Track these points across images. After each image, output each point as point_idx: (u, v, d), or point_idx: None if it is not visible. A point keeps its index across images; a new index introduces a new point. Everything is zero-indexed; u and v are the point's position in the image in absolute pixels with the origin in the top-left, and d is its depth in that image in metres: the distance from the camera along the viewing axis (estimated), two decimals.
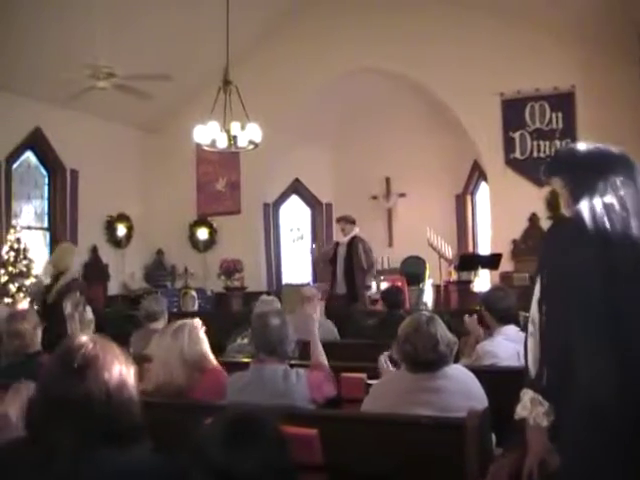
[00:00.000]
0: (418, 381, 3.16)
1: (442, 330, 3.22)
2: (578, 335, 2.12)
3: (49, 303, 7.52)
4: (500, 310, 4.48)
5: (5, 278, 10.02)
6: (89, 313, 6.41)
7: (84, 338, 1.94)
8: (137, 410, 1.89)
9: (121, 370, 1.88)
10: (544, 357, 2.23)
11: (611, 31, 10.20)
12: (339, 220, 9.96)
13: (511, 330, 4.40)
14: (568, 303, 2.16)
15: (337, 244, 9.84)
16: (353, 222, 9.83)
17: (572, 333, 2.14)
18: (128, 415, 1.85)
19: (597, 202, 2.14)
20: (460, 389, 3.13)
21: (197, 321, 3.88)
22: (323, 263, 10.21)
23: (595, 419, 2.07)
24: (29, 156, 12.15)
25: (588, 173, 2.23)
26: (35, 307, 7.86)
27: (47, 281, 7.75)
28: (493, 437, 3.13)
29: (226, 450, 1.69)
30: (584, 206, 2.16)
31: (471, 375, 3.28)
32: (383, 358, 3.87)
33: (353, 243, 9.49)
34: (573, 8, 10.27)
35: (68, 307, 5.96)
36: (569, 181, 2.30)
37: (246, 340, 5.27)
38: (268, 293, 10.11)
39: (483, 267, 10.92)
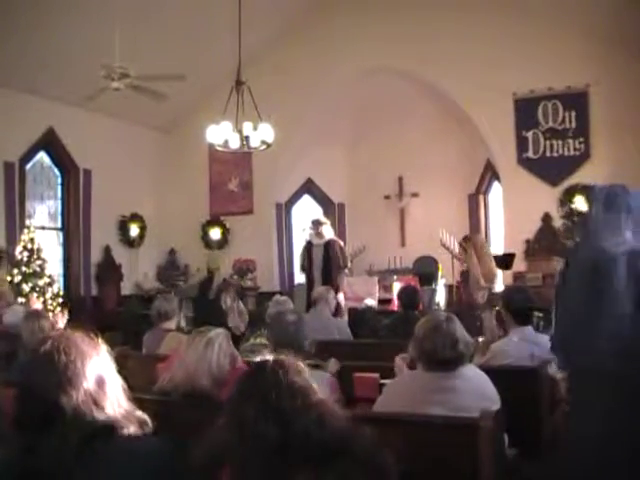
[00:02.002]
0: (433, 380, 3.14)
1: (461, 330, 3.22)
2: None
3: (211, 298, 9.28)
4: (519, 310, 4.48)
5: (19, 278, 10.08)
6: (242, 306, 7.86)
7: (57, 333, 1.95)
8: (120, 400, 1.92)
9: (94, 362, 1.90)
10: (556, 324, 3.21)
11: (625, 30, 10.15)
12: (314, 223, 10.11)
13: (528, 331, 4.42)
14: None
15: (310, 245, 9.95)
16: (329, 225, 10.17)
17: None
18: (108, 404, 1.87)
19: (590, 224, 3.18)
20: (474, 389, 3.12)
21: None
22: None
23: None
24: (42, 156, 12.22)
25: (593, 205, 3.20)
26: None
27: (196, 280, 9.04)
28: (506, 438, 3.13)
29: None
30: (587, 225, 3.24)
31: (485, 376, 3.27)
32: (398, 359, 3.87)
33: (330, 244, 9.66)
34: (587, 6, 10.24)
35: (227, 301, 6.49)
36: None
37: (259, 340, 5.27)
38: (281, 293, 10.14)
39: (496, 267, 10.86)
